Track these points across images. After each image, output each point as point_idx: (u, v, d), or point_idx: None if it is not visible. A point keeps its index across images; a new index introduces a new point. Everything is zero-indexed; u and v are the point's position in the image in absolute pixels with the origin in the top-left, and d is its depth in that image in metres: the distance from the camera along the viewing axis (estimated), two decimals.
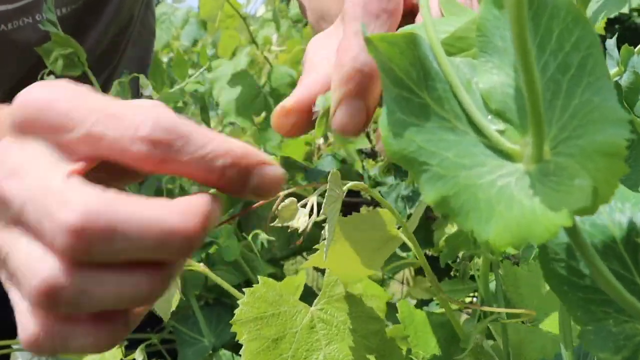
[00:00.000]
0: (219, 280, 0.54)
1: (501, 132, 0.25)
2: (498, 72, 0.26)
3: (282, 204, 0.39)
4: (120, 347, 0.79)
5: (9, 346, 0.83)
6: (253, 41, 1.35)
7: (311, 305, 0.51)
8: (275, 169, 0.33)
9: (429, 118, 0.25)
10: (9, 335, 0.86)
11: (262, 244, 0.85)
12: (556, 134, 0.24)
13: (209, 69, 1.22)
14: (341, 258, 0.47)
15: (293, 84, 1.19)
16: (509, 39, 0.25)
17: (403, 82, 0.25)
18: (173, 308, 0.57)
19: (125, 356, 0.75)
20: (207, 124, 0.89)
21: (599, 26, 0.92)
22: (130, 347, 0.76)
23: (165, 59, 2.17)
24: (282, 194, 0.39)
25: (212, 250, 0.85)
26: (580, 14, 0.23)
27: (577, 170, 0.22)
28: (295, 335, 0.48)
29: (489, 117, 0.26)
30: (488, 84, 0.26)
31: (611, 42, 0.70)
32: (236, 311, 0.47)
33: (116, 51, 1.09)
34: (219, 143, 0.31)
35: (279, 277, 0.58)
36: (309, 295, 0.58)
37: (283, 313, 0.49)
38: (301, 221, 0.39)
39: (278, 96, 1.13)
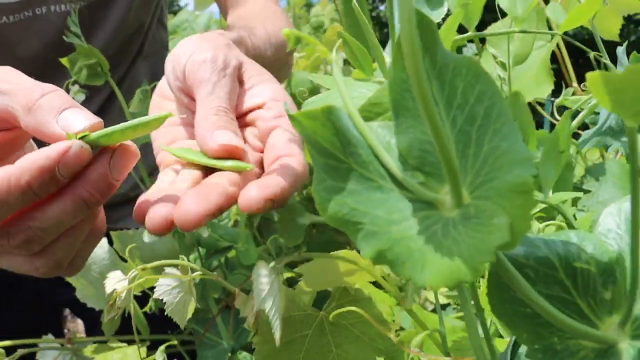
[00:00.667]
0: (231, 288, 0.55)
1: (423, 185, 0.28)
2: (414, 130, 0.28)
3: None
4: (142, 347, 0.82)
5: (35, 345, 0.85)
6: None
7: (321, 310, 0.53)
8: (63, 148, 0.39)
9: (356, 181, 0.27)
10: (35, 334, 0.89)
11: (280, 248, 0.86)
12: (472, 179, 0.26)
13: None
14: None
15: (312, 90, 1.20)
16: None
17: (328, 152, 0.27)
18: (189, 315, 0.59)
19: (147, 357, 0.77)
20: None
21: (614, 31, 0.92)
22: (151, 348, 0.78)
23: None
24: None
25: (231, 254, 0.87)
26: (479, 69, 0.25)
27: (495, 209, 0.24)
28: (306, 339, 0.50)
29: (410, 172, 0.28)
30: (406, 143, 0.28)
31: (620, 50, 0.72)
32: None
33: (124, 60, 1.11)
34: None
35: (295, 281, 0.60)
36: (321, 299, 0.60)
37: (294, 317, 0.51)
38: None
39: (299, 104, 1.15)
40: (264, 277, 0.44)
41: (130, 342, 0.84)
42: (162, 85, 0.54)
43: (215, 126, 0.43)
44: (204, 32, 1.94)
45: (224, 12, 1.06)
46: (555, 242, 0.30)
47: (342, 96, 0.29)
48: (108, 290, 0.56)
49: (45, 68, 0.92)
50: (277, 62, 0.79)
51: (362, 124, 0.28)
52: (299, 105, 0.61)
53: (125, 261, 0.79)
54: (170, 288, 0.56)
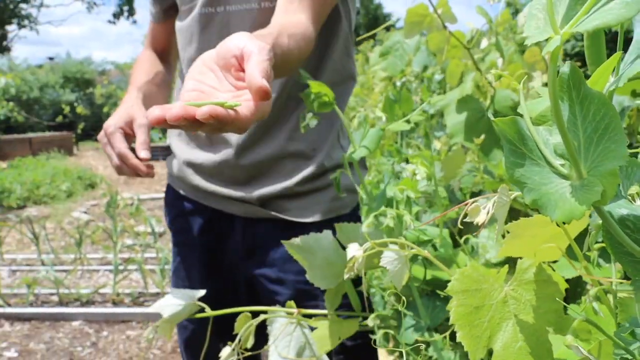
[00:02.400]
0: (438, 267, 0.71)
1: (562, 165, 0.42)
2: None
3: (471, 207, 0.57)
4: (355, 320, 0.99)
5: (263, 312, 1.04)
6: (477, 68, 1.46)
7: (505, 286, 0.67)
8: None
9: (526, 160, 0.47)
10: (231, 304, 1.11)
11: (472, 247, 1.01)
12: (590, 165, 0.43)
13: (430, 103, 1.37)
14: (521, 250, 0.65)
15: (514, 107, 1.29)
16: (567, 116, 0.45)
17: (512, 142, 0.47)
18: (404, 283, 0.75)
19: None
20: (429, 146, 1.07)
21: None
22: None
23: (398, 83, 2.37)
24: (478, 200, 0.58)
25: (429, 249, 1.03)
26: (604, 99, 0.42)
27: (596, 182, 0.41)
28: (491, 307, 0.64)
29: (556, 158, 0.44)
30: (556, 140, 0.45)
31: None
32: (449, 284, 0.64)
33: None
34: None
35: None
36: None
37: (484, 289, 0.65)
38: (480, 216, 0.56)
39: (502, 118, 1.24)
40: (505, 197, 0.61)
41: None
42: (205, 58, 0.86)
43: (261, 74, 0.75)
44: (414, 52, 2.05)
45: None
46: None
47: (523, 112, 0.45)
48: (349, 256, 0.73)
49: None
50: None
51: (532, 128, 0.47)
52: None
53: (344, 248, 0.97)
54: (392, 259, 0.73)
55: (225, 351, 1.02)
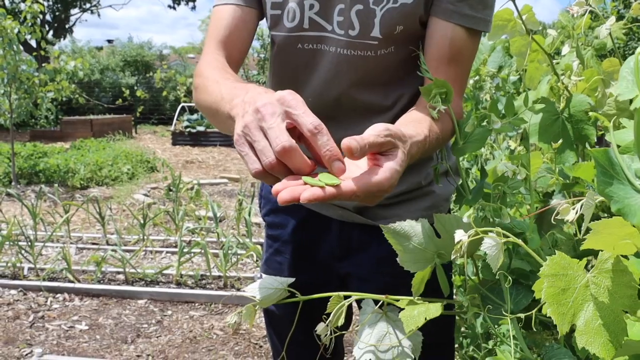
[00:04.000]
0: (531, 253, 0.84)
1: None
2: None
3: (561, 207, 0.71)
4: (441, 304, 1.10)
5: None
6: (554, 72, 1.49)
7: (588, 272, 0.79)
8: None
9: (613, 179, 0.62)
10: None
11: (555, 242, 1.12)
12: None
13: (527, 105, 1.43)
14: (601, 244, 0.78)
15: (590, 111, 1.34)
16: None
17: (603, 166, 0.62)
18: (497, 266, 0.88)
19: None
20: (527, 148, 1.19)
21: None
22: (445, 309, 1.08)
23: (471, 82, 2.44)
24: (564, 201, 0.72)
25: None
26: None
27: None
28: (575, 289, 0.76)
29: (638, 180, 0.57)
30: (637, 166, 0.59)
31: None
32: (542, 268, 0.77)
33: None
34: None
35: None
36: None
37: (569, 275, 0.77)
38: (570, 215, 0.70)
39: (576, 121, 1.23)
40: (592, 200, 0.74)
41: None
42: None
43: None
44: (490, 52, 2.10)
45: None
46: None
47: (612, 144, 0.58)
48: (456, 240, 0.86)
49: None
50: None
51: (619, 156, 0.60)
52: None
53: (439, 237, 1.09)
54: (492, 245, 0.86)
55: (321, 326, 1.14)
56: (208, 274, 5.37)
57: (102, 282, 5.31)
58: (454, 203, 1.38)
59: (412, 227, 1.09)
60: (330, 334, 1.12)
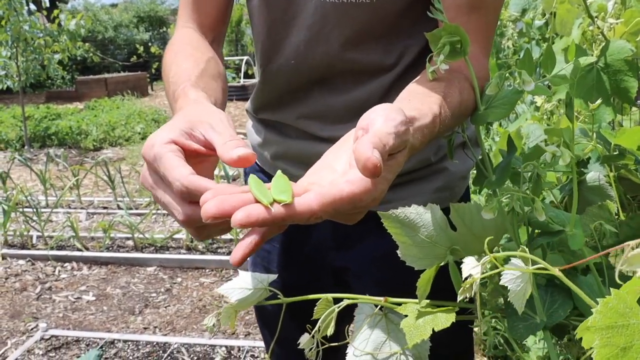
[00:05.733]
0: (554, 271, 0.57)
1: None
2: None
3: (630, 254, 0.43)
4: (452, 312, 0.86)
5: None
6: (589, 15, 1.29)
7: None
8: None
9: None
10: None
11: (603, 234, 0.87)
12: None
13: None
14: None
15: (629, 61, 1.12)
16: None
17: None
18: (524, 304, 0.63)
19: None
20: (570, 119, 0.88)
21: None
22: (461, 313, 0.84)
23: None
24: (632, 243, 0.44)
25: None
26: None
27: None
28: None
29: None
30: None
31: None
32: (590, 318, 0.51)
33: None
34: None
35: None
36: None
37: (632, 325, 0.51)
38: None
39: (614, 72, 1.04)
40: None
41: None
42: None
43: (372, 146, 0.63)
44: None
45: None
46: None
47: None
48: (464, 274, 0.61)
49: None
50: None
51: None
52: None
53: (455, 230, 0.84)
54: (515, 277, 0.60)
55: (304, 338, 0.93)
56: (219, 237, 5.20)
57: (110, 249, 5.17)
58: (473, 184, 1.09)
59: (420, 215, 0.83)
60: (318, 346, 0.92)
